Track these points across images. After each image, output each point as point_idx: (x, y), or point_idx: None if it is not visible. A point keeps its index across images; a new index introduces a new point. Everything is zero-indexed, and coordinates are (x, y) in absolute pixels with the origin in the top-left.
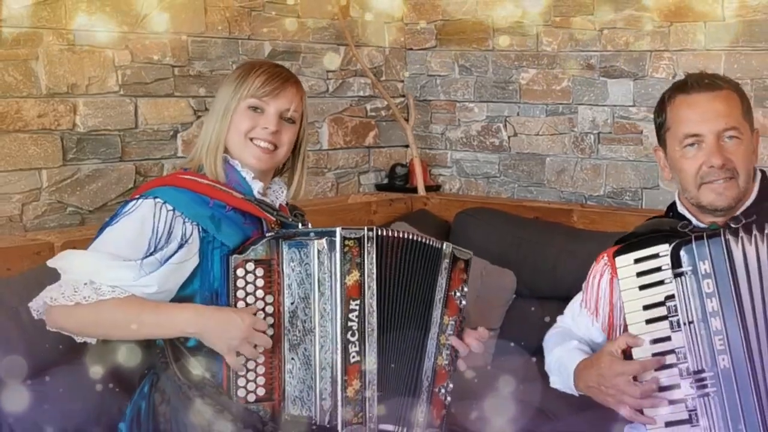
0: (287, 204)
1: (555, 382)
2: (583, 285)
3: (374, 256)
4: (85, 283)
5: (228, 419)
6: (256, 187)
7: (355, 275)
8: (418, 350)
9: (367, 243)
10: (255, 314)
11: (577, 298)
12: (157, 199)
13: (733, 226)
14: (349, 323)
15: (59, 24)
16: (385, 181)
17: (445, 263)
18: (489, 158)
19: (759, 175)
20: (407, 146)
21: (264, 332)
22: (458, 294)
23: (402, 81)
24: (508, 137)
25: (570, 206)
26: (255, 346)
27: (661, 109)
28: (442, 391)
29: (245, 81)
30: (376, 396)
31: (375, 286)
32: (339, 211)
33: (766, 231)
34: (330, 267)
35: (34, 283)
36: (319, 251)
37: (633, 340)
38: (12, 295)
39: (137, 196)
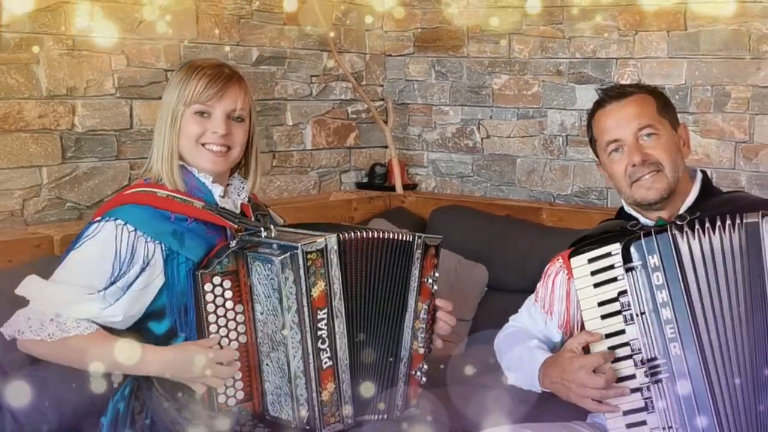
0: (250, 201)
1: (515, 379)
2: (538, 286)
3: (337, 262)
4: (51, 319)
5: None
6: (217, 191)
7: (320, 286)
8: (394, 340)
9: (329, 253)
10: (219, 341)
11: (531, 298)
12: (118, 221)
13: (679, 223)
14: (318, 332)
15: (59, 30)
16: (365, 179)
17: (418, 254)
18: (463, 159)
19: (700, 175)
20: (386, 147)
21: (229, 362)
22: (430, 280)
23: (381, 85)
24: (481, 139)
25: (539, 204)
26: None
27: (588, 127)
28: (418, 373)
29: (187, 86)
30: (351, 392)
31: (341, 291)
32: (321, 208)
33: (707, 224)
34: (294, 281)
35: (34, 274)
36: (282, 267)
37: (591, 337)
38: (13, 285)
39: (99, 218)
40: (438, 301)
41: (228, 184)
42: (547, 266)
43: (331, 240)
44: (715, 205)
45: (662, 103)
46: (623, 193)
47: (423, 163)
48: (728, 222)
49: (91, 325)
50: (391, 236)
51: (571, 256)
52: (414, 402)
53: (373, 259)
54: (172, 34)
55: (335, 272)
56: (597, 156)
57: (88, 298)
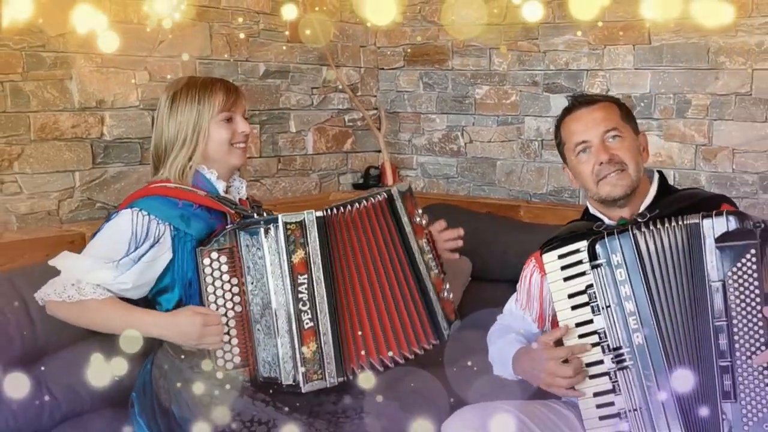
0: (249, 198)
1: (498, 370)
2: (517, 285)
3: (316, 235)
4: (72, 284)
5: (215, 383)
6: (221, 186)
7: (300, 254)
8: (416, 282)
9: (309, 225)
10: (222, 299)
11: (512, 299)
12: (134, 208)
13: (639, 220)
14: (299, 295)
15: (90, 49)
16: (361, 180)
17: (399, 203)
18: (448, 161)
19: (657, 176)
20: (379, 151)
21: (218, 328)
22: (418, 219)
23: (375, 96)
24: (465, 144)
25: (517, 202)
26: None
27: (556, 132)
28: (445, 293)
29: (210, 101)
30: (333, 353)
31: (320, 260)
32: (321, 207)
33: (666, 224)
34: (277, 249)
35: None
36: (266, 236)
37: (564, 332)
38: (51, 277)
39: (120, 210)
40: (432, 228)
41: (229, 186)
42: (524, 268)
43: (310, 216)
44: (672, 202)
45: (625, 111)
46: (590, 191)
47: (412, 165)
48: (674, 223)
49: (105, 291)
50: (368, 202)
51: (543, 252)
52: (453, 316)
53: (365, 226)
54: (189, 52)
55: (314, 243)
56: (564, 158)
57: (104, 266)
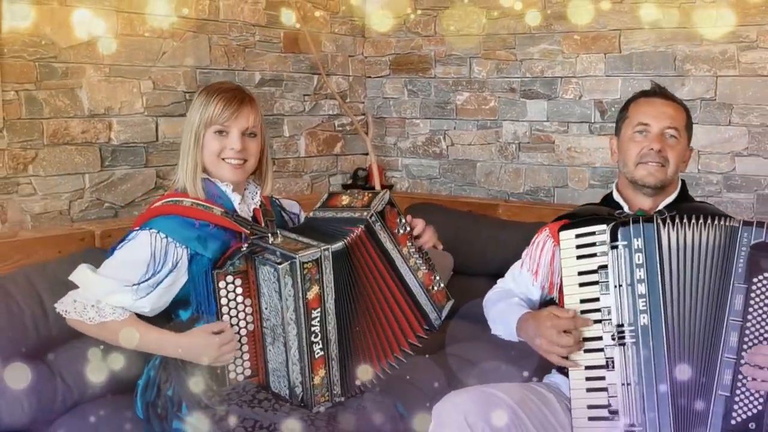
0: (261, 204)
1: (497, 330)
2: (525, 251)
3: (331, 269)
4: (93, 305)
5: (217, 402)
6: (236, 199)
7: (314, 290)
8: (403, 288)
9: (323, 261)
10: (235, 318)
11: (517, 265)
12: (152, 230)
13: (659, 217)
14: (312, 328)
15: (98, 60)
16: (350, 181)
17: (378, 226)
18: (431, 163)
19: (680, 183)
20: (367, 154)
21: (232, 345)
22: (399, 229)
23: (363, 102)
24: (447, 147)
25: (496, 201)
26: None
27: (625, 106)
28: (434, 286)
29: (207, 109)
30: (339, 376)
31: (333, 292)
32: (313, 206)
33: (685, 220)
34: (293, 286)
35: (80, 262)
36: (283, 273)
37: (570, 314)
38: (63, 272)
39: (137, 228)
40: (415, 229)
41: (245, 189)
42: (535, 237)
43: (326, 252)
44: (688, 208)
45: (689, 121)
46: (627, 167)
47: (398, 167)
48: (709, 221)
49: (125, 312)
50: (350, 238)
51: (561, 229)
52: (444, 300)
53: (357, 256)
54: (190, 62)
55: (328, 277)
56: (618, 129)
57: (123, 290)
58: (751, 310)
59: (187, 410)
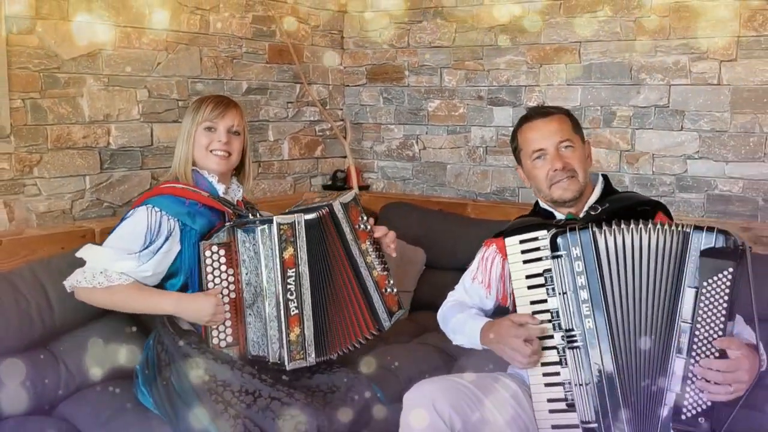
0: (243, 199)
1: (459, 340)
2: (475, 266)
3: (305, 234)
4: (101, 272)
5: (209, 357)
6: (220, 188)
7: (290, 251)
8: (357, 281)
9: (298, 226)
10: (220, 287)
11: (467, 276)
12: (149, 206)
13: (592, 213)
14: (288, 286)
15: (98, 70)
16: (330, 182)
17: (341, 214)
18: (405, 165)
19: (601, 178)
20: (345, 157)
21: (223, 309)
22: (361, 225)
23: (342, 109)
24: (419, 150)
25: (465, 201)
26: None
27: (513, 137)
28: (388, 289)
29: (199, 110)
30: (314, 338)
31: (306, 257)
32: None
33: (622, 225)
34: (270, 246)
35: (81, 258)
36: (262, 234)
37: (532, 320)
38: (66, 266)
39: (136, 206)
40: (376, 233)
41: (228, 187)
42: (483, 252)
43: (300, 218)
44: (613, 201)
45: (574, 122)
46: (542, 192)
47: (374, 169)
48: (649, 225)
49: (129, 278)
50: (319, 213)
51: (506, 236)
52: (396, 308)
53: (320, 231)
54: (182, 72)
55: (302, 242)
56: (519, 161)
57: (127, 257)
58: (700, 312)
59: (177, 369)
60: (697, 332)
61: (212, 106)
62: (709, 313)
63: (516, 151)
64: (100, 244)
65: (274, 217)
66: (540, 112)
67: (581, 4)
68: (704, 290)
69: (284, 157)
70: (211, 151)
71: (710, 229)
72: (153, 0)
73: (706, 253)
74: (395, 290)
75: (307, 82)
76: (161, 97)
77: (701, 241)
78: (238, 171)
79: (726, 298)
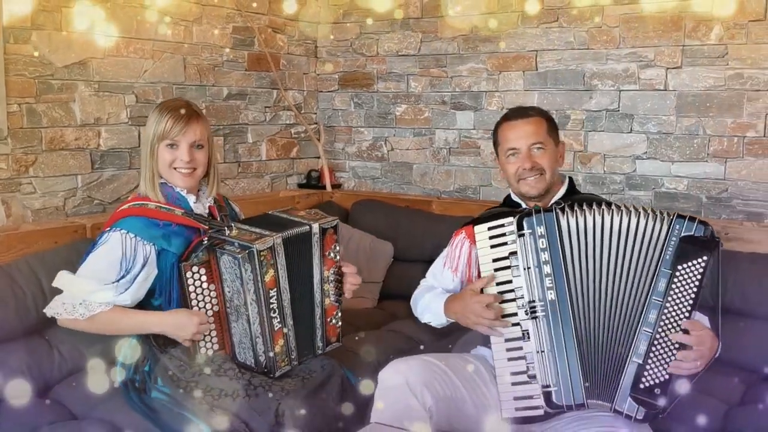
0: (215, 201)
1: (427, 318)
2: (445, 251)
3: (283, 254)
4: (80, 303)
5: (189, 375)
6: (191, 199)
7: (271, 273)
8: (310, 300)
9: (278, 248)
10: (204, 305)
11: (438, 263)
12: (122, 231)
13: (556, 207)
14: (270, 305)
15: (89, 77)
16: (304, 181)
17: (316, 238)
18: (374, 165)
19: (567, 179)
20: (319, 157)
21: (207, 327)
22: (331, 253)
23: (315, 113)
24: (388, 151)
25: (430, 198)
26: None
27: (494, 132)
28: (333, 320)
29: (159, 125)
30: (296, 344)
31: (286, 275)
32: (273, 203)
33: (581, 207)
34: (252, 271)
35: (73, 252)
36: (242, 261)
37: (485, 282)
38: (60, 261)
39: (108, 229)
40: (344, 267)
41: (199, 190)
42: (454, 237)
43: (278, 239)
44: (575, 201)
45: (551, 125)
46: (511, 185)
47: (345, 169)
48: (603, 207)
49: (110, 304)
50: (299, 230)
51: (475, 224)
52: (334, 339)
53: (298, 248)
54: (167, 79)
55: (282, 262)
56: (497, 154)
57: (104, 288)
58: (672, 292)
59: (162, 382)
60: (665, 310)
61: (173, 120)
62: (680, 295)
63: (495, 145)
64: (74, 272)
65: (254, 246)
66: (520, 114)
67: (538, 15)
68: (678, 273)
69: (262, 158)
70: (174, 168)
71: (692, 219)
72: (140, 12)
73: (685, 240)
74: (339, 323)
75: (284, 88)
76: (148, 102)
77: (683, 229)
78: (205, 175)
79: (697, 283)
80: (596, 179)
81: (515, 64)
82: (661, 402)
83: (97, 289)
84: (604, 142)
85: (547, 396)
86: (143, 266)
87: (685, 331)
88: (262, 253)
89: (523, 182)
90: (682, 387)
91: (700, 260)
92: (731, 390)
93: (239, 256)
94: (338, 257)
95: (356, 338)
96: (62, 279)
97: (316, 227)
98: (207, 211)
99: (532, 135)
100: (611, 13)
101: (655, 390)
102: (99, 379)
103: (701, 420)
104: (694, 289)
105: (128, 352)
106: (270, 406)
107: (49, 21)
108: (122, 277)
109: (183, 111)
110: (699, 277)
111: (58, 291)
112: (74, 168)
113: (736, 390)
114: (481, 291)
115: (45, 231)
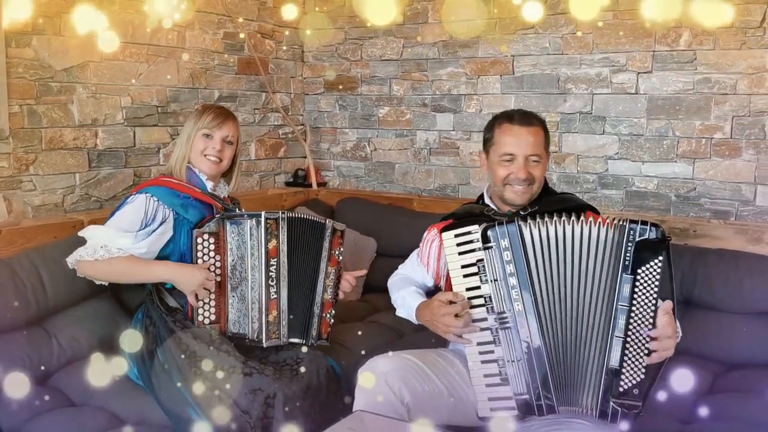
0: (229, 196)
1: (401, 313)
2: (421, 244)
3: (286, 230)
4: (101, 246)
5: (190, 336)
6: (209, 185)
7: (273, 242)
8: (312, 289)
9: (281, 222)
10: (208, 269)
11: (415, 254)
12: (147, 194)
13: (522, 213)
14: (270, 273)
15: (87, 80)
16: (291, 180)
17: (328, 232)
18: (358, 165)
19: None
20: (305, 157)
21: (212, 282)
22: (337, 252)
23: (302, 115)
24: (371, 151)
25: (411, 196)
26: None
27: (490, 127)
28: (328, 316)
29: (201, 117)
30: (288, 320)
31: (286, 249)
32: (262, 200)
33: (545, 218)
34: (257, 237)
35: (72, 246)
36: (250, 227)
37: (455, 297)
38: (59, 254)
39: (135, 192)
40: (346, 273)
41: (216, 186)
42: (426, 233)
43: (283, 214)
44: (551, 202)
45: (547, 136)
46: (496, 187)
47: (331, 168)
48: (564, 218)
49: (127, 250)
50: (314, 219)
51: (443, 231)
52: (325, 336)
53: (305, 232)
54: (161, 82)
55: (284, 236)
56: (485, 149)
57: (125, 235)
58: (636, 296)
59: (162, 358)
60: (633, 314)
61: (213, 116)
62: (644, 297)
63: (488, 141)
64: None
65: (262, 213)
66: (524, 120)
67: (515, 22)
68: (639, 277)
69: (251, 158)
70: (205, 155)
71: (644, 223)
72: (135, 17)
73: (641, 245)
74: (332, 321)
75: (272, 91)
76: (143, 103)
77: (636, 233)
78: (226, 173)
79: (657, 283)
80: (570, 179)
81: (493, 68)
82: (640, 401)
83: (117, 236)
84: (577, 143)
85: (519, 403)
86: (161, 224)
87: (653, 325)
88: (268, 221)
89: (509, 188)
90: (656, 377)
91: (657, 261)
92: (701, 380)
93: (248, 220)
94: (341, 258)
95: (341, 329)
96: (88, 229)
97: (330, 223)
98: (222, 199)
99: (532, 146)
100: (585, 19)
101: (633, 390)
102: (101, 368)
103: (672, 410)
104: (656, 288)
105: (131, 341)
106: (262, 388)
107: (49, 26)
108: (141, 229)
109: (223, 110)
110: (658, 276)
111: (57, 284)
112: (72, 166)
113: (705, 380)
114: (451, 301)
115: (44, 226)
